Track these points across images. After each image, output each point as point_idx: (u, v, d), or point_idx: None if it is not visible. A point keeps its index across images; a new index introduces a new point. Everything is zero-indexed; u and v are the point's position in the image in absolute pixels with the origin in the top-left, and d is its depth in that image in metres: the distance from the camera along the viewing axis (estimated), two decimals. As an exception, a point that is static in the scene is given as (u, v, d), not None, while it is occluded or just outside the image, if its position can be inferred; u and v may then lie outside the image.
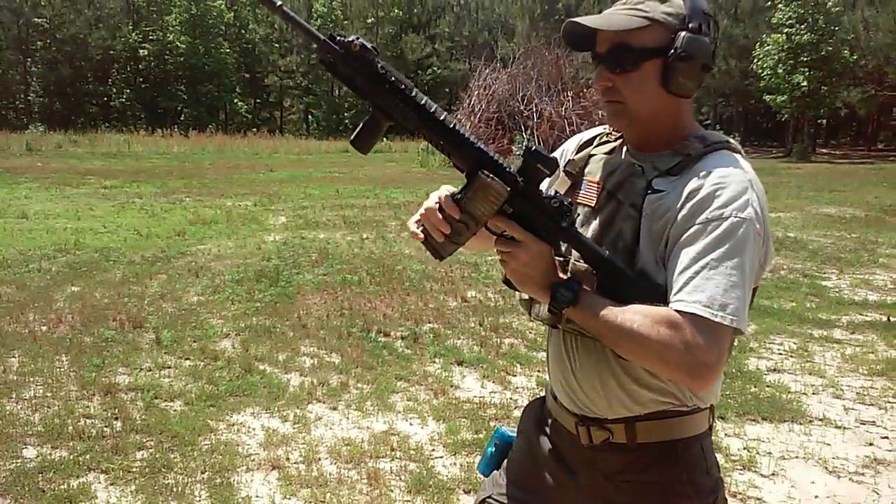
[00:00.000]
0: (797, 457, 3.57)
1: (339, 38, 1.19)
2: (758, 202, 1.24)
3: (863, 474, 3.41)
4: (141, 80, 48.26)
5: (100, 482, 3.22)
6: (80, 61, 46.73)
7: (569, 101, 23.02)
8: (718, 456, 3.39)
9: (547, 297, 1.26)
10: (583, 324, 1.26)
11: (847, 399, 4.33)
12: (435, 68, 50.19)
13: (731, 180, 1.24)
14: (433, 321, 5.75)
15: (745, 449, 3.63)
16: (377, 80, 1.21)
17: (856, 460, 3.54)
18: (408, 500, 3.13)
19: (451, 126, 1.24)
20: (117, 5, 48.33)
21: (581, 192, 1.42)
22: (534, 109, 22.90)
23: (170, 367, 4.66)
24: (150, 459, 3.41)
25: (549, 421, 1.55)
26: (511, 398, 4.27)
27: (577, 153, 1.50)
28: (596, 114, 21.82)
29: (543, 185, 1.36)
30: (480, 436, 3.71)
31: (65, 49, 45.92)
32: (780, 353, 5.15)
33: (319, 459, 3.47)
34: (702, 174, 1.27)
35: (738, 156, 1.32)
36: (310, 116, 54.22)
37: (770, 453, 3.59)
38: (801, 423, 3.96)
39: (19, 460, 3.38)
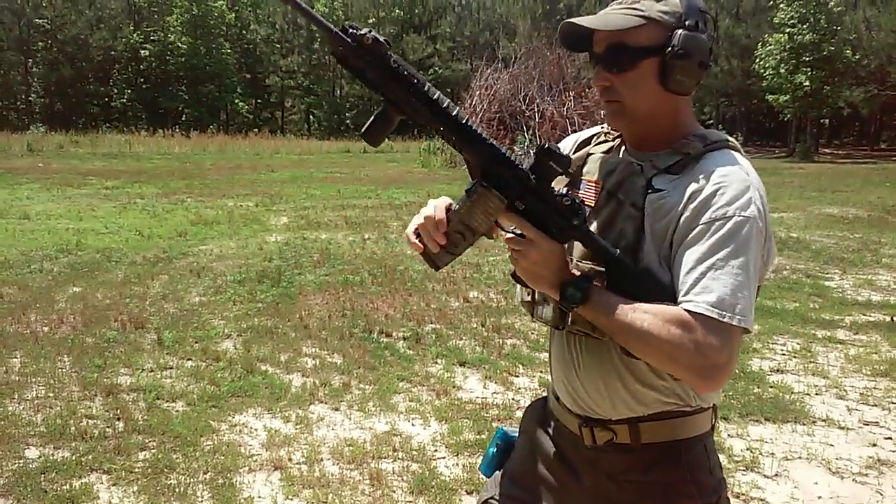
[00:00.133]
0: (800, 457, 3.56)
1: (351, 30, 1.17)
2: (760, 200, 1.25)
3: (866, 475, 3.40)
4: (142, 80, 48.31)
5: (102, 483, 3.22)
6: (82, 62, 46.78)
7: (570, 101, 23.01)
8: (721, 457, 3.38)
9: (557, 294, 1.24)
10: (593, 322, 1.24)
11: (850, 400, 4.32)
12: (436, 68, 50.19)
13: (733, 179, 1.24)
14: (435, 322, 5.75)
15: (748, 450, 3.62)
16: (389, 73, 1.18)
17: (859, 461, 3.53)
18: (410, 501, 3.13)
19: (464, 121, 1.22)
20: (118, 6, 48.38)
21: (580, 191, 1.42)
22: (535, 109, 22.89)
23: (172, 368, 4.66)
24: (152, 460, 3.40)
25: (552, 421, 1.54)
26: (513, 399, 4.26)
27: (574, 152, 1.50)
28: (598, 114, 21.80)
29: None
30: (483, 436, 3.71)
31: (66, 50, 45.97)
32: (784, 354, 5.14)
33: (321, 460, 3.47)
34: (704, 174, 1.26)
35: (737, 154, 1.32)
36: (311, 117, 54.25)
37: (773, 454, 3.58)
38: (804, 424, 3.95)
39: (21, 461, 3.38)
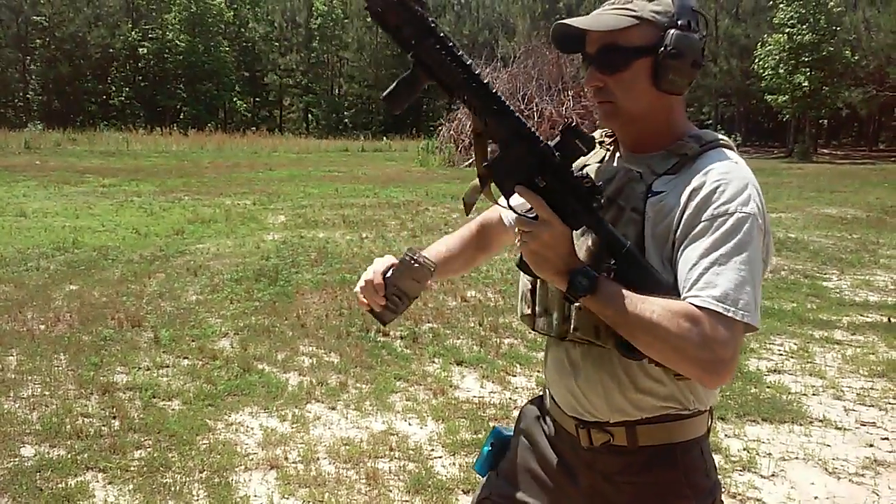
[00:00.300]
0: (797, 458, 3.56)
1: None
2: (758, 197, 1.25)
3: (863, 475, 3.40)
4: (140, 78, 48.27)
5: (98, 481, 3.21)
6: (79, 59, 46.73)
7: (569, 100, 23.02)
8: (718, 457, 3.39)
9: (564, 283, 1.21)
10: (598, 313, 1.22)
11: (847, 400, 4.32)
12: (435, 67, 50.11)
13: (732, 177, 1.25)
14: (432, 321, 5.74)
15: (745, 450, 3.61)
16: (426, 32, 1.14)
17: (856, 461, 3.53)
18: (406, 500, 3.12)
19: (495, 91, 1.19)
20: (116, 3, 48.35)
21: None
22: (534, 109, 22.88)
23: (168, 367, 4.65)
24: (148, 458, 3.40)
25: (548, 421, 1.54)
26: (510, 398, 4.25)
27: None
28: (596, 114, 21.79)
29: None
30: (479, 436, 3.70)
31: (64, 47, 45.92)
32: (781, 354, 5.14)
33: (318, 459, 3.46)
34: (702, 172, 1.26)
35: (733, 153, 1.32)
36: (309, 115, 54.23)
37: (770, 454, 3.58)
38: (801, 424, 3.95)
39: (17, 459, 3.37)
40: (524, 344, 5.20)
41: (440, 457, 3.52)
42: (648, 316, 1.16)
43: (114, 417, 3.85)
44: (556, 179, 1.22)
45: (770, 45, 35.91)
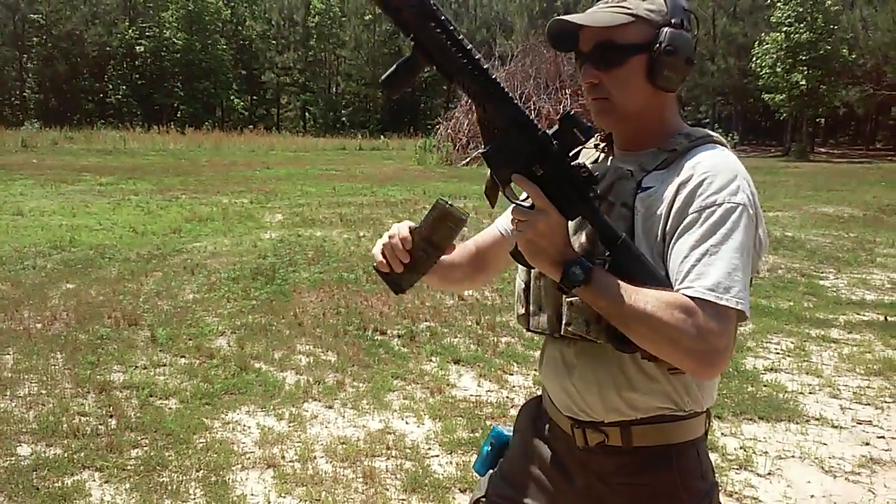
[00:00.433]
0: (794, 456, 3.57)
1: None
2: (748, 188, 1.26)
3: (859, 474, 3.40)
4: (137, 76, 48.18)
5: (94, 480, 3.21)
6: (77, 58, 46.64)
7: (567, 98, 23.02)
8: (715, 455, 3.40)
9: (558, 273, 1.21)
10: (592, 304, 1.22)
11: (844, 399, 4.33)
12: (433, 66, 50.11)
13: (720, 169, 1.26)
14: (430, 319, 5.74)
15: (741, 448, 3.62)
16: (427, 14, 1.14)
17: (852, 460, 3.53)
18: (403, 499, 3.12)
19: (494, 77, 1.19)
20: (113, 1, 48.26)
21: None
22: (532, 107, 22.87)
23: (165, 365, 4.64)
24: (144, 457, 3.39)
25: (546, 421, 1.54)
26: (508, 397, 4.26)
27: None
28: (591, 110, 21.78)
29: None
30: (477, 434, 3.70)
31: (61, 45, 45.83)
32: (778, 353, 5.15)
33: (315, 458, 3.46)
34: (690, 165, 1.28)
35: (723, 148, 1.33)
36: (307, 114, 54.17)
37: (766, 453, 3.58)
38: (797, 423, 3.96)
39: (13, 458, 3.37)
40: (521, 342, 5.20)
41: (437, 455, 3.52)
42: (643, 307, 1.16)
43: (110, 416, 3.85)
44: (553, 168, 1.22)
45: (767, 43, 35.96)
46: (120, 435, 3.61)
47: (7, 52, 46.08)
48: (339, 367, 4.68)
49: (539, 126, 1.21)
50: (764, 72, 36.18)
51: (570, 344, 1.38)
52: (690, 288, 1.18)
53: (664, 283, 1.22)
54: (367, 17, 50.66)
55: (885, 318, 6.02)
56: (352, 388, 4.35)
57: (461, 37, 1.16)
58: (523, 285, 1.43)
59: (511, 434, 1.64)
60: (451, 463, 3.43)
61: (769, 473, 3.39)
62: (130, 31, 46.99)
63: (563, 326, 1.33)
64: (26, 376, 4.38)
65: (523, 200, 1.27)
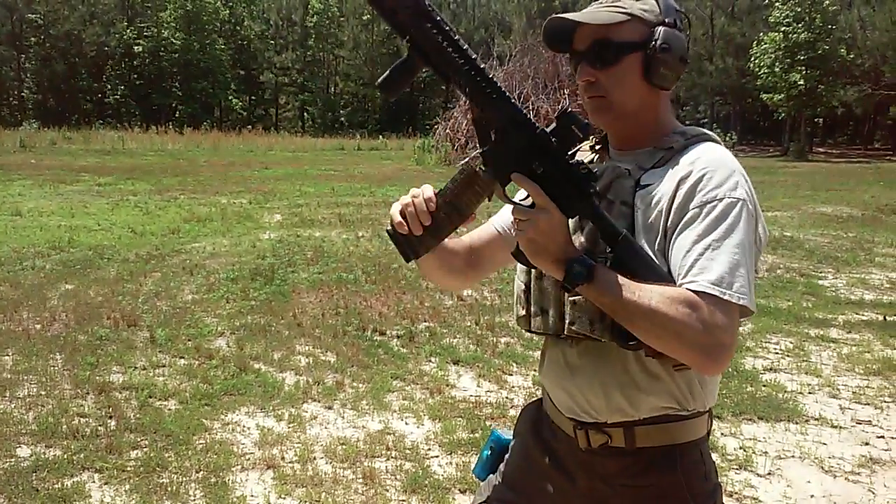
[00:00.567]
0: (793, 456, 3.57)
1: None
2: (746, 184, 1.27)
3: (859, 474, 3.41)
4: (135, 76, 48.11)
5: (94, 481, 3.20)
6: (75, 58, 46.58)
7: (565, 98, 22.99)
8: (714, 455, 3.38)
9: (561, 271, 1.21)
10: (595, 301, 1.22)
11: (843, 398, 4.33)
12: (431, 66, 50.08)
13: (718, 165, 1.27)
14: (429, 320, 5.74)
15: (741, 448, 3.62)
16: (422, 15, 1.14)
17: (852, 460, 3.54)
18: (403, 500, 3.12)
19: (491, 77, 1.19)
20: (111, 1, 48.19)
21: None
22: (530, 107, 22.87)
23: (164, 366, 4.64)
24: (144, 459, 3.39)
25: (547, 424, 1.53)
26: (507, 397, 4.25)
27: None
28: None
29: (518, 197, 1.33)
30: (476, 435, 3.70)
31: (59, 45, 45.77)
32: (777, 353, 5.15)
33: (314, 459, 3.46)
34: (689, 161, 1.29)
35: (718, 145, 1.35)
36: (305, 114, 54.14)
37: (766, 453, 3.58)
38: (797, 423, 3.96)
39: (13, 459, 3.36)
40: (521, 343, 5.20)
41: (437, 456, 3.52)
42: (647, 302, 1.16)
43: (110, 417, 3.84)
44: (552, 166, 1.22)
45: (766, 43, 35.97)
46: (119, 436, 3.61)
47: (5, 52, 46.00)
48: (338, 367, 4.68)
49: (537, 124, 1.21)
50: (762, 72, 36.19)
51: (572, 344, 1.38)
52: (694, 282, 1.19)
53: (666, 278, 1.23)
54: (365, 17, 50.63)
55: (884, 318, 6.03)
56: (351, 389, 4.35)
57: (457, 37, 1.16)
58: (523, 286, 1.43)
59: (511, 437, 1.63)
60: (450, 463, 3.43)
61: (769, 473, 3.39)
62: (128, 30, 46.91)
63: (566, 326, 1.33)
64: (25, 377, 4.37)
65: (523, 200, 1.27)
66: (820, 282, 7.38)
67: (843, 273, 7.83)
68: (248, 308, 5.95)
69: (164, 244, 8.56)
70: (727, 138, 31.11)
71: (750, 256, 1.23)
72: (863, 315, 6.17)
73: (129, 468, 3.31)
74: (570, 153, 1.25)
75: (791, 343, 5.35)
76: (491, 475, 1.62)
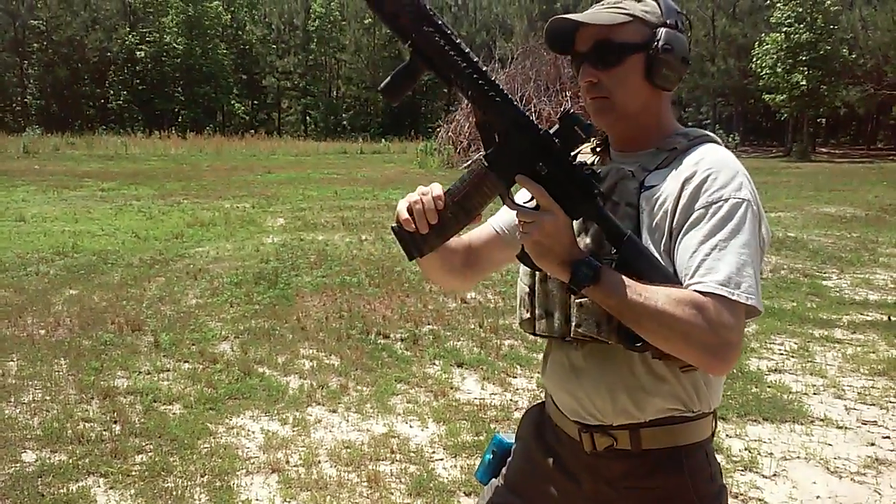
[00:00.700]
0: (799, 457, 3.56)
1: None
2: (749, 185, 1.27)
3: (864, 474, 3.40)
4: (138, 81, 48.19)
5: (99, 486, 3.21)
6: (77, 63, 46.69)
7: (567, 101, 23.00)
8: (720, 457, 3.38)
9: (567, 274, 1.20)
10: (601, 302, 1.22)
11: (848, 399, 4.32)
12: (433, 69, 50.09)
13: (722, 165, 1.28)
14: (433, 323, 5.74)
15: (746, 450, 3.61)
16: (423, 20, 1.14)
17: (857, 460, 3.53)
18: (408, 503, 3.12)
19: (493, 79, 1.19)
20: (114, 7, 48.30)
21: None
22: (532, 110, 22.88)
23: (168, 371, 4.65)
24: (149, 463, 3.39)
25: (550, 427, 1.53)
26: (511, 400, 4.25)
27: None
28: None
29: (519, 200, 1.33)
30: (481, 438, 3.70)
31: (61, 51, 45.90)
32: (781, 354, 5.14)
33: (319, 462, 3.46)
34: (693, 162, 1.29)
35: (721, 147, 1.35)
36: (307, 118, 54.21)
37: (771, 454, 3.58)
38: (802, 424, 3.95)
39: (18, 464, 3.37)
40: (524, 345, 5.20)
41: (441, 459, 3.52)
42: (653, 303, 1.16)
43: (115, 422, 3.85)
44: (556, 168, 1.22)
45: (767, 44, 35.96)
46: (124, 441, 3.61)
47: (8, 59, 46.15)
48: (342, 371, 4.68)
49: (540, 126, 1.21)
50: (764, 72, 36.17)
51: (577, 347, 1.38)
52: (701, 283, 1.19)
53: (672, 279, 1.22)
54: (367, 21, 50.69)
55: (889, 318, 6.01)
56: (355, 392, 4.35)
57: (459, 41, 1.16)
58: (527, 289, 1.42)
59: (513, 441, 1.63)
60: (455, 466, 3.43)
61: (774, 475, 3.38)
62: (131, 36, 47.01)
63: (572, 329, 1.32)
64: (30, 383, 4.38)
65: (527, 202, 1.27)
66: (824, 282, 7.37)
67: (847, 273, 7.81)
68: (251, 312, 5.95)
69: (168, 249, 8.58)
70: (730, 139, 31.14)
71: (756, 256, 1.23)
72: (867, 315, 6.15)
73: (134, 472, 3.31)
74: (572, 154, 1.25)
75: (795, 344, 5.34)
76: (493, 479, 1.62)
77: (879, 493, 3.23)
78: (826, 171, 23.58)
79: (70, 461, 3.39)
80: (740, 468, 3.43)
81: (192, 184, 16.75)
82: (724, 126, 38.65)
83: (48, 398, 4.15)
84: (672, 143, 1.34)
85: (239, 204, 13.01)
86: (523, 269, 1.41)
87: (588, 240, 1.32)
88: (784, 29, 34.97)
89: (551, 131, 1.21)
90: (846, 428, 3.91)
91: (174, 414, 3.98)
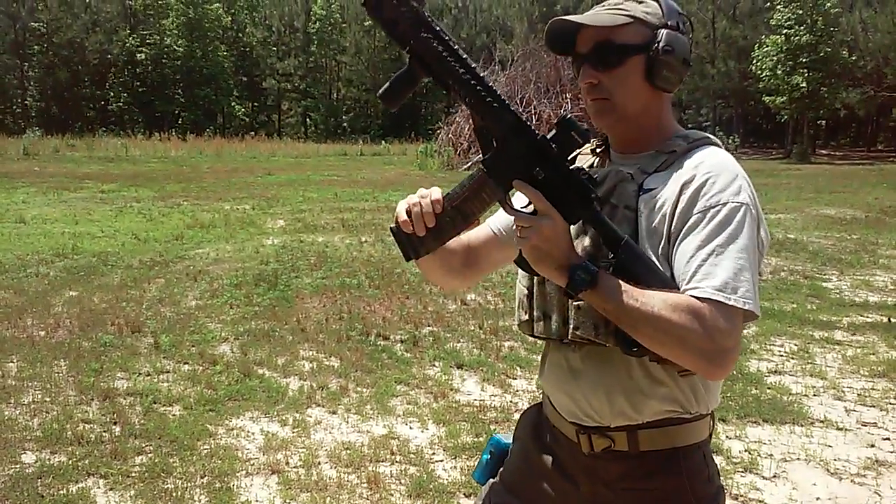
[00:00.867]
0: (798, 459, 3.56)
1: None
2: (749, 189, 1.27)
3: (864, 476, 3.40)
4: (138, 83, 48.21)
5: (99, 487, 3.21)
6: (77, 65, 46.73)
7: (567, 103, 23.03)
8: (720, 458, 3.39)
9: (564, 278, 1.20)
10: (598, 307, 1.22)
11: (848, 401, 4.32)
12: (433, 71, 50.13)
13: (722, 169, 1.27)
14: (432, 324, 5.74)
15: (746, 451, 3.61)
16: (422, 26, 1.14)
17: (857, 462, 3.53)
18: (408, 505, 3.12)
19: (490, 85, 1.19)
20: (114, 9, 48.33)
21: None
22: (532, 112, 22.90)
23: (168, 372, 4.65)
24: (149, 464, 3.39)
25: (548, 428, 1.53)
26: (511, 401, 4.25)
27: None
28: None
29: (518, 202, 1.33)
30: (481, 439, 3.70)
31: (62, 53, 45.93)
32: (781, 355, 5.14)
33: (319, 464, 3.46)
34: (692, 165, 1.29)
35: (720, 149, 1.35)
36: (308, 119, 54.23)
37: (771, 455, 3.58)
38: (802, 425, 3.95)
39: (18, 466, 3.37)
40: (524, 347, 5.20)
41: (441, 460, 3.52)
42: (650, 308, 1.16)
43: (115, 423, 3.85)
44: (553, 172, 1.22)
45: (768, 46, 35.98)
46: (124, 442, 3.61)
47: (8, 61, 46.18)
48: (342, 372, 4.68)
49: (537, 131, 1.22)
50: (764, 74, 36.19)
51: (575, 349, 1.38)
52: (698, 288, 1.19)
53: (669, 283, 1.22)
54: (367, 24, 50.60)
55: (889, 320, 6.01)
56: (355, 394, 4.35)
57: (457, 47, 1.16)
58: (526, 291, 1.43)
59: (510, 442, 1.63)
60: (455, 468, 3.43)
61: (774, 476, 3.38)
62: (131, 38, 47.04)
63: (570, 331, 1.32)
64: (30, 384, 4.38)
65: (524, 207, 1.27)
66: (824, 284, 7.37)
67: (847, 275, 7.81)
68: (251, 313, 5.95)
69: (168, 250, 8.58)
70: (730, 141, 31.13)
71: (754, 261, 1.23)
72: (867, 317, 6.15)
73: (133, 474, 3.31)
74: (570, 158, 1.25)
75: (795, 345, 5.34)
76: (491, 479, 1.62)
77: (879, 495, 3.23)
78: (826, 173, 23.58)
79: (70, 462, 3.39)
80: (740, 469, 3.44)
81: (193, 185, 16.76)
82: (724, 128, 38.64)
83: (48, 399, 4.16)
84: (672, 146, 1.34)
85: (239, 206, 13.01)
86: (521, 271, 1.42)
87: (587, 242, 1.31)
88: (784, 31, 34.99)
89: (549, 136, 1.22)
90: (846, 429, 3.91)
91: (174, 415, 3.98)
